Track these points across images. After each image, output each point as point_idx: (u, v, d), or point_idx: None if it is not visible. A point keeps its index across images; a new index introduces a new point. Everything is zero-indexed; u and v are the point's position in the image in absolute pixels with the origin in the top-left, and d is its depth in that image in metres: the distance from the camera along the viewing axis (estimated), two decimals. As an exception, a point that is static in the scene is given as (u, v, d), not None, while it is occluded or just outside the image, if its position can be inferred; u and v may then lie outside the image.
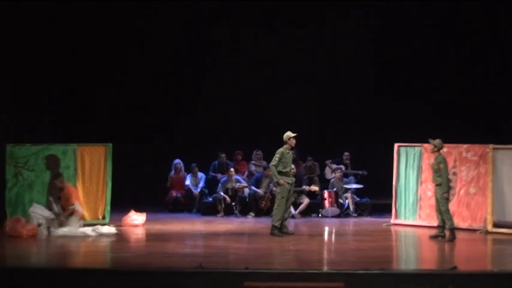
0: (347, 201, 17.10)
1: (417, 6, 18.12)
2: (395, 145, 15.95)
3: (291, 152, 14.18)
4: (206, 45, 18.78)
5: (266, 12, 18.49)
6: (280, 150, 13.99)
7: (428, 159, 15.14)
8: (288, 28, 18.69)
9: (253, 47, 18.74)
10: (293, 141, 14.02)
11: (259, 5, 18.28)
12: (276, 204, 14.01)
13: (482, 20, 17.70)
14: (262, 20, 18.57)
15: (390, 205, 15.99)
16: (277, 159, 13.90)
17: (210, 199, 17.44)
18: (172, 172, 17.93)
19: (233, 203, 17.02)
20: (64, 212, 14.19)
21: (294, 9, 18.49)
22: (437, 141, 13.82)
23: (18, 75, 16.05)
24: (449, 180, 13.84)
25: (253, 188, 17.16)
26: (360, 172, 17.96)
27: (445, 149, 14.11)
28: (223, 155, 18.18)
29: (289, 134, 14.02)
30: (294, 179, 14.24)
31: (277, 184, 14.00)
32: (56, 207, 14.27)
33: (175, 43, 18.66)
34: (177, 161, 17.92)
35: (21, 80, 16.15)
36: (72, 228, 13.90)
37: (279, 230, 13.89)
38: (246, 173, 18.08)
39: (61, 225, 13.99)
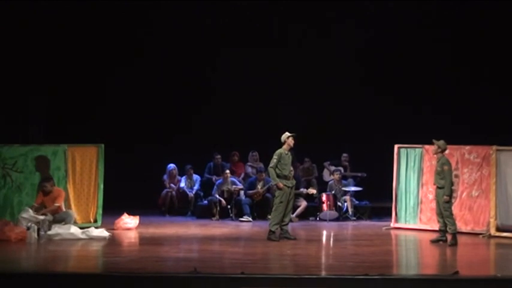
0: (346, 204, 16.96)
1: (417, 7, 18.13)
2: (396, 146, 15.83)
3: (289, 154, 13.87)
4: (203, 47, 18.75)
5: (264, 13, 18.49)
6: (279, 151, 13.73)
7: (430, 161, 14.95)
8: (285, 28, 18.68)
9: (250, 47, 18.67)
10: (291, 141, 13.76)
11: (255, 5, 18.24)
12: (273, 208, 13.80)
13: (484, 20, 17.71)
14: (260, 22, 18.61)
15: (390, 208, 15.89)
16: (275, 160, 13.63)
17: (205, 202, 17.32)
18: (166, 176, 17.65)
19: (229, 206, 16.81)
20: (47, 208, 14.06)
21: (292, 10, 18.46)
22: (441, 142, 13.66)
23: (6, 73, 15.90)
24: (452, 183, 13.65)
25: (248, 192, 16.91)
26: (359, 174, 17.87)
27: (447, 151, 13.89)
28: (219, 156, 18.05)
29: (286, 134, 13.81)
30: (294, 182, 13.96)
31: (276, 188, 13.67)
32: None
33: (170, 43, 18.67)
34: (172, 166, 17.71)
35: (9, 79, 16.03)
36: (63, 228, 13.63)
37: (280, 234, 13.68)
38: (243, 175, 17.88)
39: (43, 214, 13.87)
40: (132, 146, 17.96)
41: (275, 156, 13.66)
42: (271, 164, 13.67)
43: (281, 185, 13.61)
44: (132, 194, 16.91)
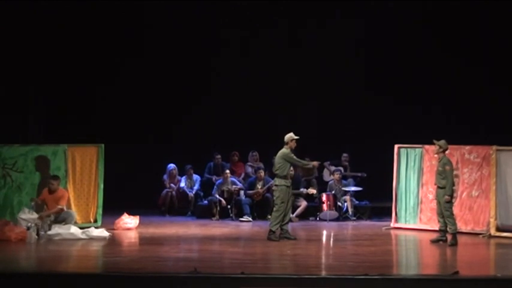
0: (346, 204, 16.93)
1: (418, 6, 18.11)
2: (396, 146, 15.80)
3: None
4: (203, 46, 18.74)
5: (265, 12, 18.49)
6: (287, 150, 13.69)
7: (430, 161, 14.95)
8: (286, 29, 18.69)
9: (250, 47, 18.74)
10: (294, 144, 13.80)
11: (257, 5, 18.27)
12: (275, 209, 13.81)
13: (484, 20, 17.67)
14: (260, 20, 18.58)
15: (390, 208, 15.87)
16: (294, 156, 13.72)
17: (205, 202, 17.27)
18: (166, 176, 17.63)
19: (229, 206, 16.78)
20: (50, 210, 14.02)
21: (293, 10, 18.48)
22: (442, 142, 13.65)
23: (6, 73, 15.90)
24: (453, 183, 13.61)
25: (248, 192, 16.89)
26: (359, 174, 17.83)
27: (448, 150, 13.87)
28: (219, 156, 18.03)
29: (291, 135, 13.80)
30: (290, 181, 13.92)
31: (307, 172, 13.57)
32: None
33: (170, 43, 18.58)
34: (172, 166, 17.68)
35: (9, 79, 16.01)
36: (63, 228, 13.61)
37: (280, 234, 13.67)
38: (243, 175, 17.86)
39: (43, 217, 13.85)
40: (132, 146, 17.90)
41: (290, 154, 13.67)
42: (296, 160, 13.74)
43: (316, 163, 14.12)
44: (132, 194, 16.90)
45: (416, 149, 15.53)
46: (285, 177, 13.72)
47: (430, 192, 15.03)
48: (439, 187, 13.54)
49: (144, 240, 14.01)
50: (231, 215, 16.80)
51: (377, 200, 17.41)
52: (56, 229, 13.65)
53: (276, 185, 13.79)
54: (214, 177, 17.81)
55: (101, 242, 13.46)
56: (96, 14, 17.78)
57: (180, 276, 10.32)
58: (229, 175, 17.18)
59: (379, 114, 18.33)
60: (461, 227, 14.35)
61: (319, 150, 17.84)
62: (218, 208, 16.81)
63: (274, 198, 13.90)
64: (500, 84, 17.60)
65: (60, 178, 14.46)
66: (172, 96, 18.61)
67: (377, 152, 16.84)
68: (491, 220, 14.31)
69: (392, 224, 15.63)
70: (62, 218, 14.09)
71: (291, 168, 14.16)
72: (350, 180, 17.56)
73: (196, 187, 17.62)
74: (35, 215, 13.75)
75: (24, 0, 16.57)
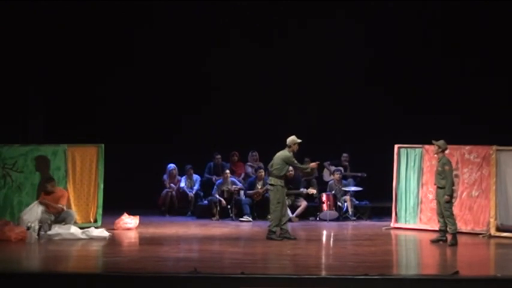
0: (346, 204, 16.92)
1: (418, 6, 18.12)
2: (396, 146, 15.79)
3: None
4: (203, 46, 18.74)
5: (265, 11, 18.49)
6: (288, 154, 13.65)
7: (430, 161, 14.95)
8: (286, 28, 18.64)
9: (250, 47, 18.69)
10: (297, 147, 13.77)
11: (255, 5, 18.27)
12: (272, 209, 13.77)
13: (484, 20, 17.68)
14: (260, 21, 18.57)
15: (390, 208, 15.86)
16: (295, 160, 13.71)
17: (205, 202, 17.26)
18: (166, 176, 17.62)
19: (229, 206, 16.77)
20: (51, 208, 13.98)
21: (293, 10, 18.49)
22: (441, 142, 13.64)
23: (6, 73, 15.91)
24: (453, 183, 13.60)
25: (248, 192, 16.88)
26: (359, 174, 17.83)
27: (447, 150, 13.87)
28: (219, 156, 18.03)
29: (294, 138, 13.74)
30: (284, 182, 13.87)
31: (307, 173, 14.03)
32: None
33: (170, 43, 18.58)
34: (172, 166, 17.67)
35: (9, 79, 16.02)
36: (63, 228, 13.61)
37: (280, 234, 13.66)
38: (243, 175, 17.86)
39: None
40: (132, 146, 17.89)
41: (291, 158, 13.64)
42: (296, 164, 13.78)
43: (314, 164, 14.16)
44: (132, 194, 16.87)
45: (416, 149, 15.52)
46: (281, 177, 13.69)
47: (430, 192, 15.02)
48: (438, 187, 13.54)
49: (144, 240, 14.01)
50: (231, 215, 16.79)
51: (377, 200, 17.41)
52: (56, 229, 13.66)
53: (271, 185, 13.72)
54: (214, 177, 17.81)
55: (101, 242, 13.46)
56: (96, 14, 17.77)
57: (180, 276, 10.32)
58: (229, 175, 17.18)
59: (379, 114, 18.33)
60: (461, 227, 14.34)
61: (319, 150, 17.87)
62: (218, 208, 16.80)
63: (271, 198, 13.82)
64: (501, 84, 17.61)
65: (55, 180, 14.40)
66: (172, 96, 18.61)
67: (377, 152, 16.83)
68: (491, 220, 14.30)
69: (392, 224, 15.62)
70: (61, 218, 14.09)
71: (291, 168, 14.13)
72: (350, 180, 17.55)
73: (196, 187, 17.61)
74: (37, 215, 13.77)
75: (24, 0, 16.57)
